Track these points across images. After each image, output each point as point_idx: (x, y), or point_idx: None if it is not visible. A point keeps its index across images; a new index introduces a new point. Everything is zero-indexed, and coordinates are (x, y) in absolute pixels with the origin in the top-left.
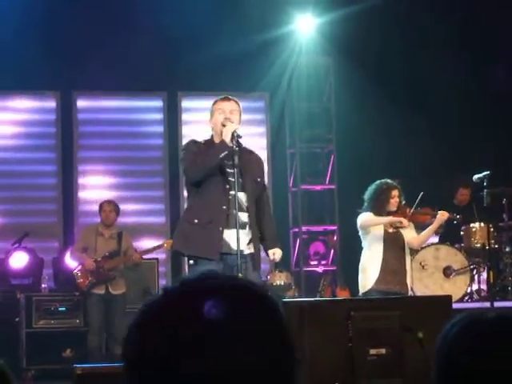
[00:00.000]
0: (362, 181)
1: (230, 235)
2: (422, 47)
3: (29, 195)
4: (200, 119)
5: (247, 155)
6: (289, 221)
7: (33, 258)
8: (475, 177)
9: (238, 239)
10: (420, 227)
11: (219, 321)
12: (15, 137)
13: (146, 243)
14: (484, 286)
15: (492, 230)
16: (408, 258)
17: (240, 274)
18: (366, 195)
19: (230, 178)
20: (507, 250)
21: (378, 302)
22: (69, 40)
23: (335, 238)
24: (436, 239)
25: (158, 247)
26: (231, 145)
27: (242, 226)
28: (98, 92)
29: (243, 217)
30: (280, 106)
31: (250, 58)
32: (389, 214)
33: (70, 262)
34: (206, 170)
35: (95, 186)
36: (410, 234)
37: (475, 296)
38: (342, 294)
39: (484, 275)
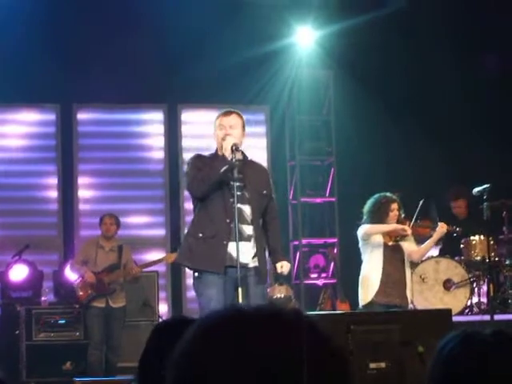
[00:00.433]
0: (363, 193)
1: (234, 248)
2: (421, 60)
3: (29, 208)
4: (200, 132)
5: (252, 167)
6: (289, 233)
7: (33, 270)
8: (475, 190)
9: (238, 251)
10: (420, 240)
11: None
12: (15, 149)
13: (146, 256)
14: (484, 299)
15: (492, 242)
16: (408, 271)
17: (240, 288)
18: (365, 209)
19: (233, 192)
20: (507, 262)
21: (377, 315)
22: (69, 53)
23: (335, 250)
24: (436, 252)
25: (159, 261)
26: (230, 158)
27: (247, 238)
28: (98, 104)
29: (248, 230)
30: (280, 119)
31: (250, 70)
32: None
33: (70, 274)
34: (207, 186)
35: (95, 199)
36: (410, 247)
37: (475, 309)
38: (343, 307)
39: (484, 288)
